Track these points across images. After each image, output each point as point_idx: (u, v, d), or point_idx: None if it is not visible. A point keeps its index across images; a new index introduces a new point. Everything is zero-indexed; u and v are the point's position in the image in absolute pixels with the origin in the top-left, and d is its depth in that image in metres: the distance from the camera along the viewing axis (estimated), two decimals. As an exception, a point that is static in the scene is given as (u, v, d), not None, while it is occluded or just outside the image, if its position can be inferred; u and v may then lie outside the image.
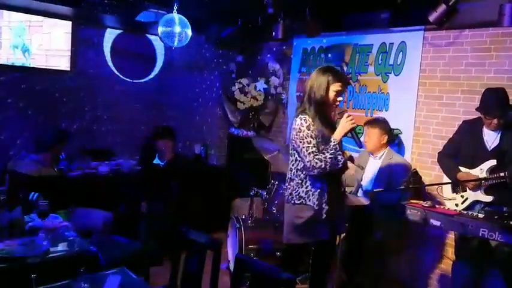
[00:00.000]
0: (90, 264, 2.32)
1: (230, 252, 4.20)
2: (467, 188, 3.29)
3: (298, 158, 2.74)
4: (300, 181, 2.75)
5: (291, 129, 2.79)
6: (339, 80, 2.71)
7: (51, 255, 2.49)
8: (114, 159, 5.09)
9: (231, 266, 4.03)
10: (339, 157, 2.65)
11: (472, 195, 3.27)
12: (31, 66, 4.68)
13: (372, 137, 3.80)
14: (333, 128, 2.78)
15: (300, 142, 2.67)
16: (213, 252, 2.42)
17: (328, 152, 2.63)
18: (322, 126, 2.71)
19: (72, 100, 5.01)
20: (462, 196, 3.33)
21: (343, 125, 2.69)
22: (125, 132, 5.42)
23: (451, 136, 3.55)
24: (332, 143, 2.65)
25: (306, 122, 2.67)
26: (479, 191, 3.23)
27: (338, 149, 2.66)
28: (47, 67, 4.78)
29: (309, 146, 2.65)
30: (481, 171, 3.22)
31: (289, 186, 2.82)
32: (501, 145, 3.19)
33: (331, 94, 2.71)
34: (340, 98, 2.74)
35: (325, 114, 2.75)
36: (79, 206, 3.76)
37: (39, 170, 3.55)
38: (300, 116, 2.72)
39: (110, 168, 4.81)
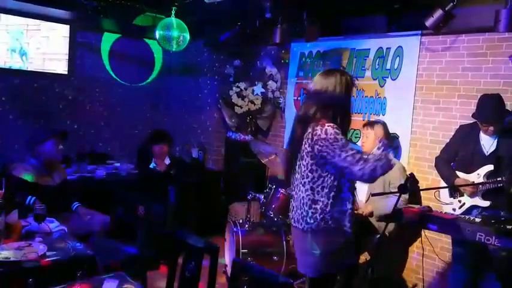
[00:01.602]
0: (87, 268, 2.31)
1: (227, 256, 4.19)
2: (465, 194, 3.30)
3: (323, 174, 2.40)
4: (329, 202, 2.40)
5: (311, 141, 2.41)
6: (353, 82, 2.56)
7: (47, 259, 2.48)
8: (111, 163, 5.09)
9: (228, 270, 4.01)
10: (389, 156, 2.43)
11: (469, 200, 3.28)
12: (28, 69, 4.69)
13: (369, 138, 3.79)
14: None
15: (342, 151, 2.34)
16: (210, 256, 2.42)
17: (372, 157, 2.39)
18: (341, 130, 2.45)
19: (70, 103, 5.01)
20: (459, 201, 3.33)
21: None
22: (122, 136, 5.42)
23: (448, 141, 3.56)
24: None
25: (338, 130, 2.40)
26: (476, 196, 3.24)
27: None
28: (45, 71, 4.79)
29: (354, 153, 2.34)
30: (478, 176, 3.23)
31: (312, 211, 2.42)
32: (498, 150, 3.20)
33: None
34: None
35: (348, 117, 2.55)
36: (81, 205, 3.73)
37: (36, 176, 3.52)
38: (326, 124, 2.39)
39: (107, 172, 4.81)
